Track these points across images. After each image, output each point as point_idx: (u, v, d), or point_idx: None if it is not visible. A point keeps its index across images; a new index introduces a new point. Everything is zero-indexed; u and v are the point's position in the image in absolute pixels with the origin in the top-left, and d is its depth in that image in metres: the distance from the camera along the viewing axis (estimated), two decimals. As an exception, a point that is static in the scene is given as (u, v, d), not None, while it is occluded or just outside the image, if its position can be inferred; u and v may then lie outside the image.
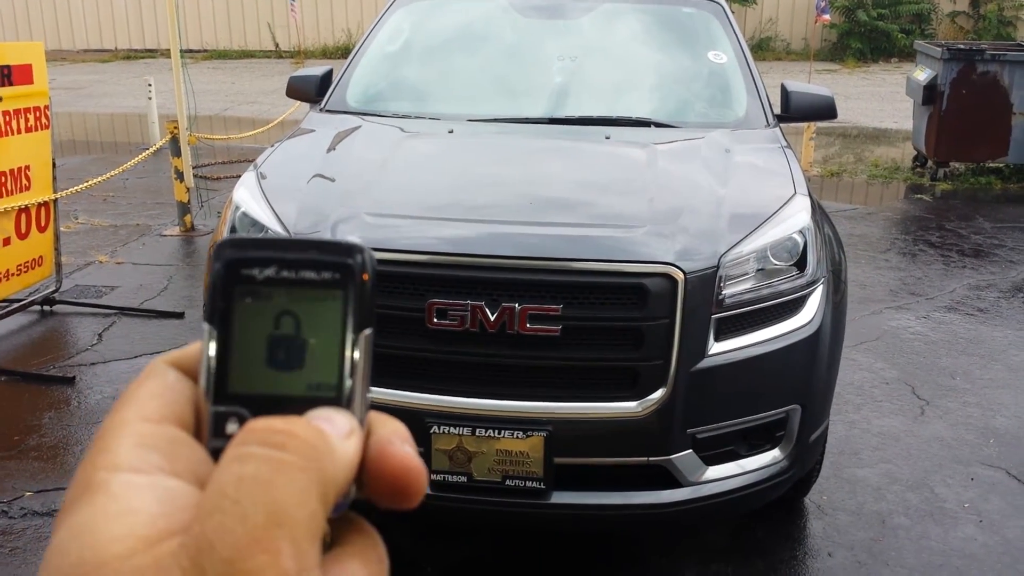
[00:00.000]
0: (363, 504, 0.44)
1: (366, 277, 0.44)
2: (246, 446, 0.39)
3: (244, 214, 3.18)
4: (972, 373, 4.97)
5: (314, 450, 0.39)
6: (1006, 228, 7.85)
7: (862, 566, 3.34)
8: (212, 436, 0.43)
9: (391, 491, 0.43)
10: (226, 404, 0.43)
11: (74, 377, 4.78)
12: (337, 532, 0.43)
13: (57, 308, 5.72)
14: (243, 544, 0.36)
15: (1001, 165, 9.60)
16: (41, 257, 5.51)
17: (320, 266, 0.43)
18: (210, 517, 0.36)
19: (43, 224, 5.49)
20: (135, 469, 0.40)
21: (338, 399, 0.43)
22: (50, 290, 5.70)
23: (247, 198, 3.24)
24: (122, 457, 0.40)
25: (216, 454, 0.41)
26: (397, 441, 0.43)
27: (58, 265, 5.72)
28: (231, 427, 0.42)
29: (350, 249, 0.44)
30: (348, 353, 0.43)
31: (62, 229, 6.04)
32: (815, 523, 3.61)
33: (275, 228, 3.02)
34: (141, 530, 0.37)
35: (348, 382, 0.43)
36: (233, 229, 3.20)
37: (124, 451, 0.41)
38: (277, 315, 0.43)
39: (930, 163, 9.61)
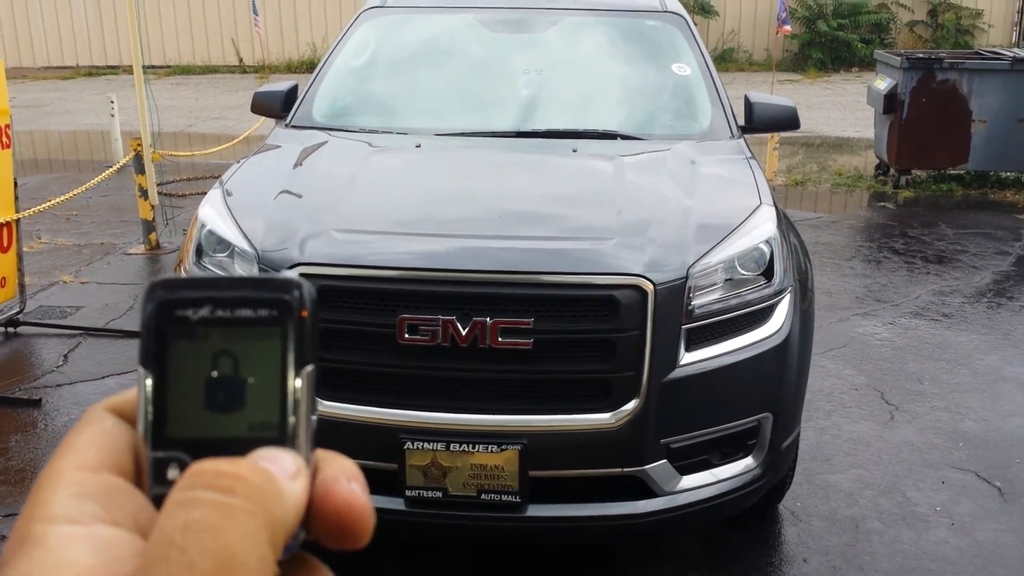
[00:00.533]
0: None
1: (305, 313, 0.43)
2: (192, 491, 0.38)
3: (210, 232, 3.15)
4: (939, 378, 5.03)
5: (261, 493, 0.38)
6: (968, 234, 7.97)
7: (837, 571, 3.36)
8: (153, 483, 0.42)
9: (337, 531, 0.42)
10: (166, 449, 0.42)
11: (40, 399, 4.70)
12: (287, 573, 0.41)
13: (21, 329, 5.63)
14: None
15: (962, 172, 9.74)
16: (4, 278, 5.43)
17: (256, 303, 0.42)
18: (155, 567, 0.35)
19: (5, 245, 5.41)
20: (71, 520, 0.39)
21: (281, 439, 0.42)
22: (14, 311, 5.61)
23: (213, 216, 3.21)
24: (58, 508, 0.39)
25: (157, 500, 0.40)
26: (343, 479, 0.42)
27: (21, 286, 5.64)
28: (172, 473, 0.41)
29: (287, 285, 0.43)
30: (290, 391, 0.42)
31: (25, 249, 5.96)
32: (789, 529, 3.63)
33: (242, 246, 3.00)
34: None
35: (291, 420, 0.42)
36: (199, 247, 3.17)
37: (60, 502, 0.40)
38: (214, 356, 0.42)
39: (892, 171, 9.73)
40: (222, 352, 0.42)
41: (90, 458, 0.42)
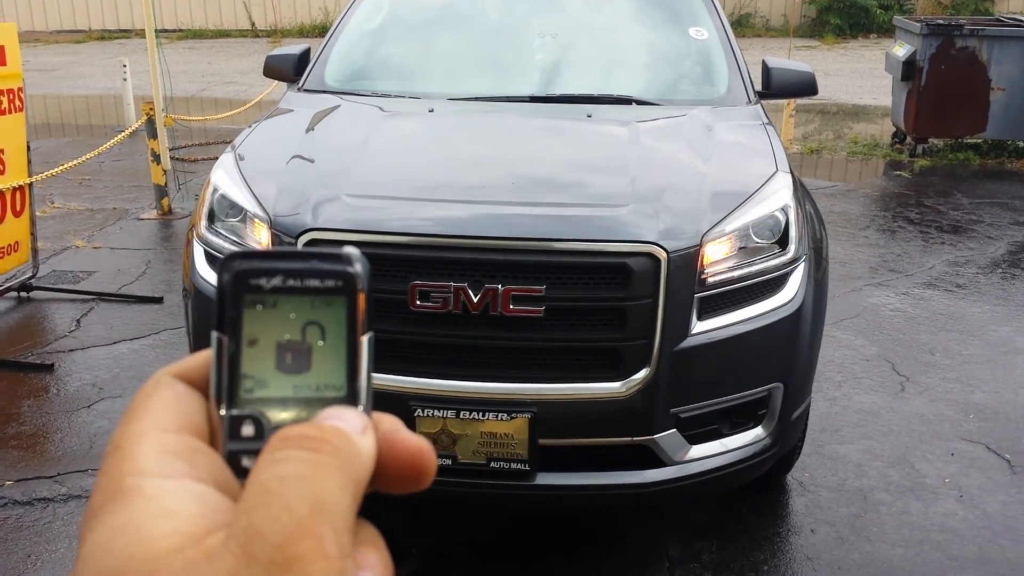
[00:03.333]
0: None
1: (363, 285, 0.46)
2: (284, 451, 0.41)
3: (222, 196, 3.14)
4: (951, 349, 5.00)
5: (343, 451, 0.41)
6: (984, 204, 7.90)
7: (844, 542, 3.36)
8: (228, 440, 0.45)
9: (406, 476, 0.45)
10: (239, 408, 0.45)
11: (52, 364, 4.73)
12: None
13: (34, 294, 5.65)
14: (290, 531, 0.38)
15: (979, 140, 9.64)
16: (17, 243, 5.44)
17: (323, 275, 0.46)
18: (255, 511, 0.39)
19: (18, 209, 5.42)
20: (163, 475, 0.41)
21: (346, 398, 0.45)
22: (26, 276, 5.64)
23: (225, 180, 3.20)
24: (148, 464, 0.42)
25: (231, 457, 0.44)
26: (402, 428, 0.46)
27: (34, 250, 5.65)
28: (246, 430, 0.45)
29: (350, 258, 0.46)
30: (352, 356, 0.46)
31: (38, 214, 5.96)
32: (798, 500, 3.63)
33: (254, 210, 2.99)
34: (185, 528, 0.39)
35: (354, 383, 0.46)
36: (211, 211, 3.16)
37: (149, 458, 0.42)
38: (285, 322, 0.46)
39: (909, 139, 9.64)
40: (292, 318, 0.46)
41: (169, 421, 0.44)
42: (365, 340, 0.46)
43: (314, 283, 0.45)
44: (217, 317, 0.46)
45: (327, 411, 0.44)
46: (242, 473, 0.43)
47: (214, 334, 0.46)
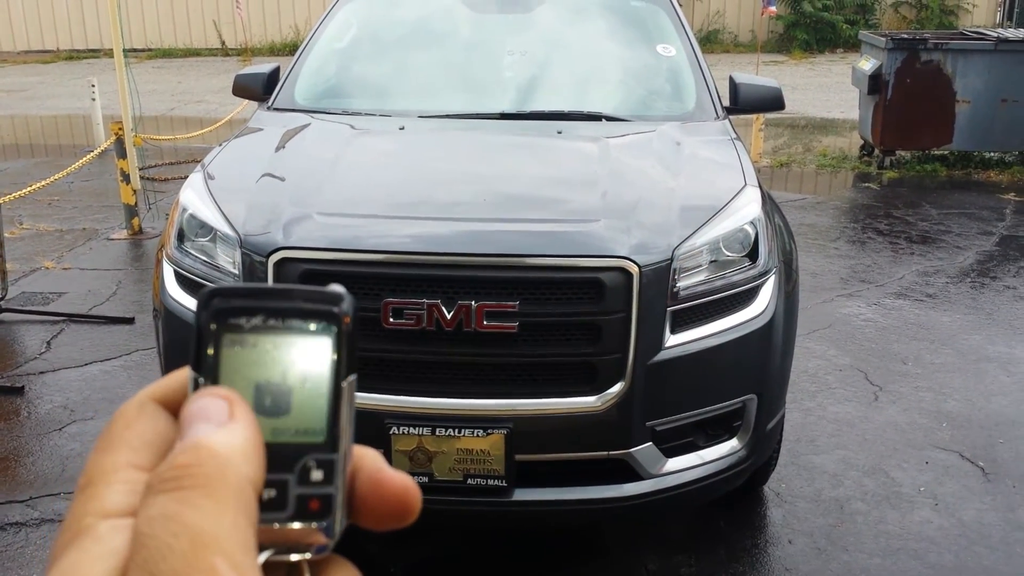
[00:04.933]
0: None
1: (348, 320, 0.45)
2: (149, 495, 0.40)
3: (192, 216, 3.12)
4: (923, 358, 5.05)
5: (208, 474, 0.40)
6: (952, 214, 7.99)
7: (822, 552, 3.38)
8: None
9: (391, 514, 0.45)
10: None
11: (23, 387, 4.67)
12: (317, 571, 0.44)
13: (3, 316, 5.58)
14: (180, 570, 0.37)
15: (946, 152, 9.76)
16: (-16, 264, 5.37)
17: (306, 314, 0.44)
18: (139, 557, 0.38)
19: (-15, 230, 5.35)
20: (124, 513, 0.41)
21: (326, 444, 0.44)
22: (-5, 298, 5.56)
23: (194, 199, 3.18)
24: (111, 503, 0.41)
25: None
26: (385, 466, 0.45)
27: (3, 272, 5.57)
28: None
29: (335, 297, 0.45)
30: (334, 398, 0.44)
31: (6, 235, 5.89)
32: (775, 511, 3.64)
33: (224, 230, 2.97)
34: (119, 566, 0.39)
35: (335, 427, 0.44)
36: (181, 231, 3.14)
37: (115, 498, 0.41)
38: (263, 363, 0.44)
39: (877, 151, 9.75)
40: (271, 359, 0.44)
41: (144, 459, 0.43)
42: (348, 382, 0.45)
43: (296, 323, 0.44)
44: (194, 357, 0.44)
45: (188, 409, 0.42)
46: None
47: (191, 374, 0.44)
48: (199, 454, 0.40)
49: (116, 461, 0.43)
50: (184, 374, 0.45)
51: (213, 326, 0.44)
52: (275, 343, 0.44)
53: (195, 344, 0.44)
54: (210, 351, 0.44)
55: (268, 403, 0.44)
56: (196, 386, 0.44)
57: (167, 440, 0.44)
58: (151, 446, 0.44)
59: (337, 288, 0.45)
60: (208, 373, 0.44)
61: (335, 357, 0.44)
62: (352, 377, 0.45)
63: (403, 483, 0.45)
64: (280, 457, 0.43)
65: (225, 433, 0.41)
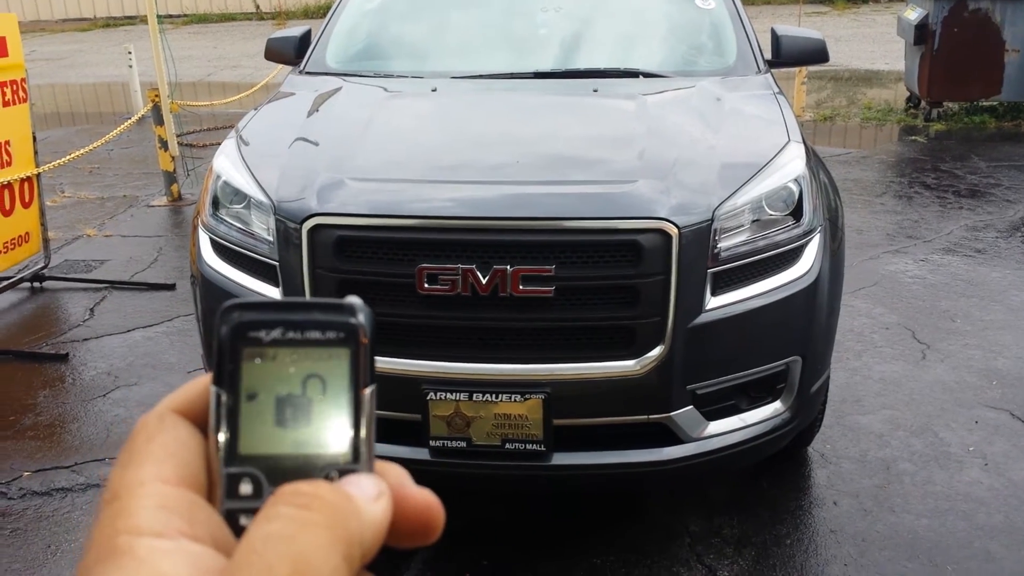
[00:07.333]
0: None
1: (365, 332, 0.45)
2: (274, 508, 0.40)
3: (225, 183, 3.10)
4: (972, 315, 4.93)
5: (337, 511, 0.40)
6: (1002, 167, 7.78)
7: (868, 513, 3.32)
8: (225, 498, 0.44)
9: (413, 531, 0.45)
10: (238, 465, 0.44)
11: (67, 354, 4.73)
12: None
13: (47, 284, 5.65)
14: None
15: (995, 103, 9.51)
16: (27, 233, 5.43)
17: (325, 326, 0.45)
18: (239, 571, 0.37)
19: (27, 200, 5.41)
20: (158, 533, 0.40)
21: (347, 455, 0.44)
22: (39, 266, 5.64)
23: (227, 167, 3.16)
24: (144, 520, 0.40)
25: (229, 515, 0.43)
26: (409, 483, 0.45)
27: (45, 241, 5.64)
28: (244, 488, 0.44)
29: (352, 309, 0.45)
30: (355, 410, 0.45)
31: (48, 203, 5.95)
32: (819, 472, 3.59)
33: (257, 196, 2.95)
34: None
35: (356, 438, 0.44)
36: (215, 199, 3.13)
37: (146, 514, 0.40)
38: (284, 376, 0.44)
39: (923, 103, 9.51)
40: (292, 372, 0.44)
41: (170, 472, 0.43)
42: (367, 393, 0.45)
43: (315, 335, 0.44)
44: (215, 371, 0.45)
45: (345, 479, 0.43)
46: (240, 532, 0.42)
47: (212, 388, 0.45)
48: (339, 495, 0.41)
49: (142, 475, 0.42)
50: (203, 382, 0.46)
51: (233, 340, 0.44)
52: (294, 355, 0.44)
53: (216, 359, 0.45)
54: (230, 365, 0.44)
55: (288, 415, 0.44)
56: (218, 401, 0.44)
57: (190, 451, 0.44)
58: (175, 457, 0.43)
59: (354, 299, 0.46)
60: (229, 386, 0.44)
61: (354, 368, 0.45)
62: (372, 388, 0.45)
63: (426, 500, 0.45)
64: (302, 469, 0.43)
65: (371, 500, 0.42)
